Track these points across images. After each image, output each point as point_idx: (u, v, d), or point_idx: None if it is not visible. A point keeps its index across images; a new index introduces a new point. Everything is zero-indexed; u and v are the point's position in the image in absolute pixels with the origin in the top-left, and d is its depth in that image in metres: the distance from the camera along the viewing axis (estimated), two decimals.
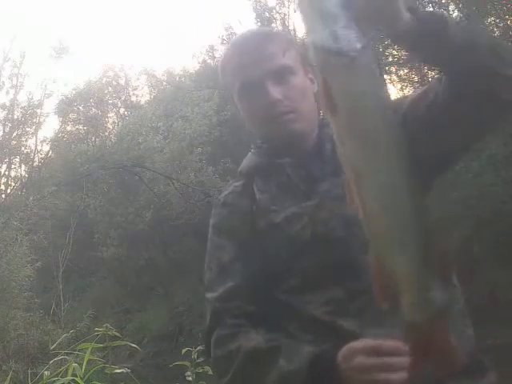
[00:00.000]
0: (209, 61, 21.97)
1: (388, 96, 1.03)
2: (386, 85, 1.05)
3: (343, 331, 1.14)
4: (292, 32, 18.27)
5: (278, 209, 1.27)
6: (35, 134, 18.01)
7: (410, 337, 1.01)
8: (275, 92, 1.26)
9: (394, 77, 16.17)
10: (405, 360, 0.99)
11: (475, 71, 1.04)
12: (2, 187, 18.15)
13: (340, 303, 1.17)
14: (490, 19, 13.14)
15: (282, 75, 1.28)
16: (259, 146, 1.40)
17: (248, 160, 1.41)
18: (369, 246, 1.01)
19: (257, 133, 1.40)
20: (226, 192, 1.40)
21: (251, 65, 1.27)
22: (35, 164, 18.34)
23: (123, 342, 3.23)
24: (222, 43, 20.78)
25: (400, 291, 1.00)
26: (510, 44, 10.53)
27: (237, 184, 1.39)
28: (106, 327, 2.69)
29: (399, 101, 1.26)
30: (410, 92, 16.52)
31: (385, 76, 16.35)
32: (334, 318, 1.16)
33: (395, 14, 0.99)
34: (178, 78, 23.29)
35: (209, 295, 1.30)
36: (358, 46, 0.95)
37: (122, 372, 2.70)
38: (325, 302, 1.18)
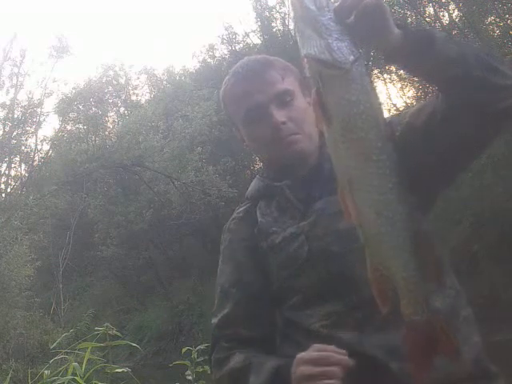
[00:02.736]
0: (209, 60, 22.00)
1: (380, 106, 1.05)
2: (377, 95, 1.08)
3: (342, 343, 1.16)
4: (292, 31, 18.27)
5: (278, 230, 1.32)
6: (35, 133, 18.01)
7: (410, 337, 1.03)
8: (279, 115, 1.30)
9: (393, 76, 16.19)
10: (338, 370, 1.06)
11: (467, 83, 1.06)
12: (2, 186, 18.17)
13: (339, 316, 1.19)
14: (490, 19, 13.15)
15: (283, 99, 1.32)
16: (262, 172, 1.47)
17: (252, 185, 1.47)
18: (365, 251, 1.04)
19: (262, 158, 1.46)
20: (231, 218, 1.46)
21: (254, 91, 1.32)
22: (35, 163, 18.33)
23: (123, 342, 3.24)
24: (222, 42, 20.82)
25: (398, 294, 1.03)
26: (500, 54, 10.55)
27: (240, 210, 1.45)
28: (106, 326, 2.69)
29: (403, 113, 1.28)
30: (410, 91, 16.55)
31: (385, 75, 16.37)
32: (332, 331, 1.18)
33: (385, 32, 1.02)
34: (178, 78, 23.30)
35: (212, 321, 1.38)
36: (351, 58, 0.98)
37: (122, 371, 2.71)
38: (324, 315, 1.21)
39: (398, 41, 1.03)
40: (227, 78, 1.41)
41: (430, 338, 1.02)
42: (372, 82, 1.04)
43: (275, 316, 1.33)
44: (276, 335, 1.32)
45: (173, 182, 17.56)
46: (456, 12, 14.03)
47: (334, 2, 1.03)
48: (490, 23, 13.25)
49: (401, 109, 14.97)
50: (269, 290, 1.33)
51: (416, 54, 1.05)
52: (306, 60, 1.02)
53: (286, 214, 1.33)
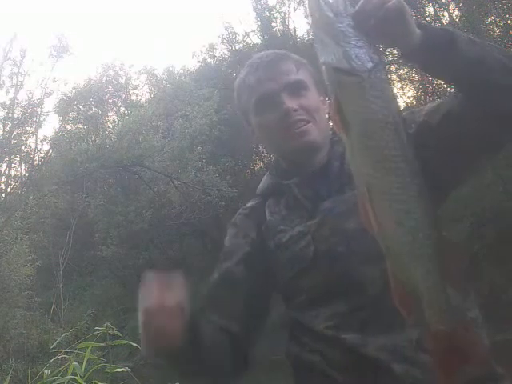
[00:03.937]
0: (209, 60, 21.98)
1: (399, 113, 1.03)
2: (397, 102, 1.05)
3: (346, 344, 1.17)
4: (292, 31, 18.28)
5: (286, 228, 1.32)
6: (35, 133, 17.97)
7: (437, 346, 1.01)
8: (290, 102, 1.29)
9: (394, 76, 16.18)
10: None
11: (485, 84, 1.05)
12: (2, 186, 18.14)
13: (343, 317, 1.19)
14: (490, 18, 13.14)
15: (296, 89, 1.32)
16: (272, 169, 1.46)
17: (262, 182, 1.46)
18: (386, 261, 1.01)
19: (274, 150, 1.45)
20: (237, 213, 1.47)
21: (267, 80, 1.32)
22: (35, 163, 18.28)
23: (123, 341, 3.22)
24: (222, 42, 20.82)
25: (422, 303, 1.00)
26: None
27: (246, 206, 1.45)
28: (106, 326, 2.69)
29: (416, 111, 1.26)
30: (410, 91, 16.54)
31: None
32: (337, 332, 1.18)
33: (406, 35, 1.00)
34: (178, 77, 23.24)
35: None
36: (370, 65, 0.97)
37: (122, 371, 2.71)
38: (328, 316, 1.21)
39: (418, 42, 1.02)
40: (242, 70, 1.40)
41: (457, 348, 0.99)
42: (392, 88, 1.02)
43: (260, 315, 1.34)
44: (251, 336, 1.33)
45: (173, 182, 17.56)
46: (456, 12, 14.04)
47: (353, 5, 1.01)
48: (490, 23, 13.24)
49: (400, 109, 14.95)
50: (265, 290, 1.34)
51: (435, 55, 1.03)
52: (323, 67, 1.01)
53: (294, 212, 1.33)
